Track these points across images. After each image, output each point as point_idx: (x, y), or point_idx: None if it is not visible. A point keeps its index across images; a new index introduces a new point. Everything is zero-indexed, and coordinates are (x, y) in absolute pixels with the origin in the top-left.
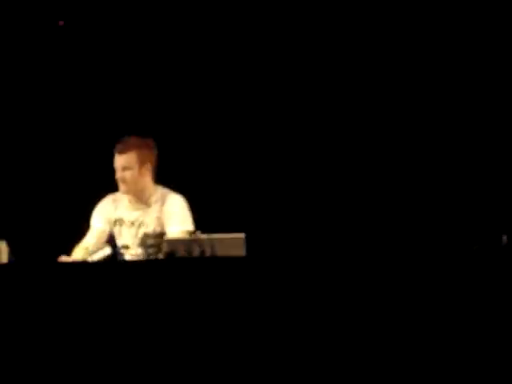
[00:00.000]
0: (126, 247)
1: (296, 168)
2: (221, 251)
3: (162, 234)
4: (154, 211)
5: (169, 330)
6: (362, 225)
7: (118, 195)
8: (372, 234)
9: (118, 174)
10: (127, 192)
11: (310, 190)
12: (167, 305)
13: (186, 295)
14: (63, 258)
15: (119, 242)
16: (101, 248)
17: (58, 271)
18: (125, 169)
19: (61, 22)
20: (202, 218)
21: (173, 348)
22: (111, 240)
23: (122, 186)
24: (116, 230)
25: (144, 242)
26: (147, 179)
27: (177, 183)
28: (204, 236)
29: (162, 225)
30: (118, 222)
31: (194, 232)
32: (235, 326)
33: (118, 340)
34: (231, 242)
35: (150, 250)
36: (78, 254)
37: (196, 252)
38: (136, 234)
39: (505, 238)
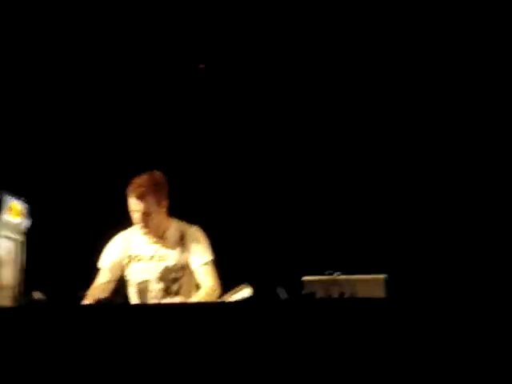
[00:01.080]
0: (146, 282)
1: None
2: (361, 292)
3: (183, 268)
4: (172, 244)
5: (310, 375)
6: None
7: (128, 233)
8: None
9: (138, 219)
10: (148, 233)
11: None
12: (306, 345)
13: (326, 336)
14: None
15: (136, 279)
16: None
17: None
18: (145, 214)
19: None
20: (341, 259)
21: None
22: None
23: (143, 230)
24: (131, 268)
25: (166, 276)
26: (164, 215)
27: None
28: (343, 277)
29: (183, 258)
30: (135, 258)
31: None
32: (376, 369)
33: None
34: (371, 283)
35: (172, 284)
36: (96, 294)
37: (335, 293)
38: (156, 269)
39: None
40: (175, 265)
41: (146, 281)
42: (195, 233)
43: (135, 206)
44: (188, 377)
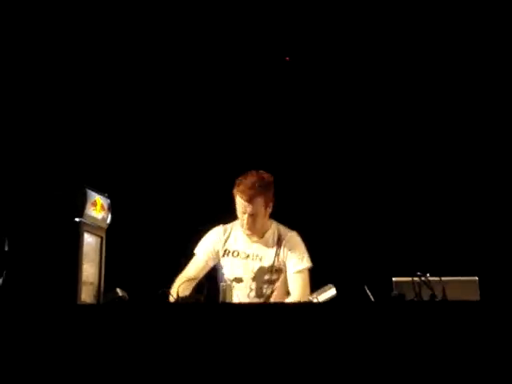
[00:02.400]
0: (240, 280)
1: None
2: (452, 295)
3: (278, 271)
4: (270, 246)
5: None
6: None
7: (230, 227)
8: None
9: (245, 219)
10: (252, 234)
11: None
12: (395, 348)
13: (416, 339)
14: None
15: (229, 274)
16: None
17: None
18: (252, 216)
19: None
20: (432, 261)
21: None
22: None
23: (247, 230)
24: (226, 261)
25: (260, 277)
26: (268, 216)
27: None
28: (434, 278)
29: (279, 261)
30: (231, 253)
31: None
32: (469, 372)
33: None
34: (464, 286)
35: (265, 286)
36: (181, 285)
37: (426, 295)
38: (252, 268)
39: None
40: (270, 266)
41: (240, 278)
42: (293, 238)
43: (244, 207)
44: (278, 376)
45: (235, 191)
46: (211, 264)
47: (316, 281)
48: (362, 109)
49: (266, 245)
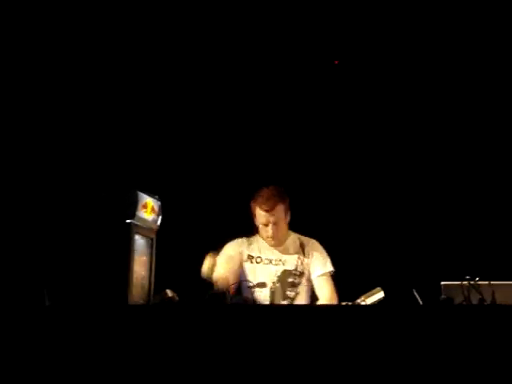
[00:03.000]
0: (263, 285)
1: None
2: (502, 299)
3: (301, 274)
4: (292, 251)
5: None
6: None
7: (252, 237)
8: None
9: (269, 230)
10: (275, 245)
11: None
12: (443, 351)
13: (464, 343)
14: None
15: (252, 280)
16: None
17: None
18: (275, 224)
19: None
20: (481, 266)
21: None
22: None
23: (271, 241)
24: (248, 267)
25: (284, 280)
26: (287, 226)
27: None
28: (483, 282)
29: (302, 264)
30: (254, 259)
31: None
32: None
33: None
34: None
35: (289, 288)
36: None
37: (475, 299)
38: (275, 272)
39: None
40: (294, 269)
41: (263, 283)
42: (315, 244)
43: (266, 218)
44: (321, 380)
45: (254, 205)
46: (235, 268)
47: (365, 284)
48: (379, 116)
49: (288, 250)
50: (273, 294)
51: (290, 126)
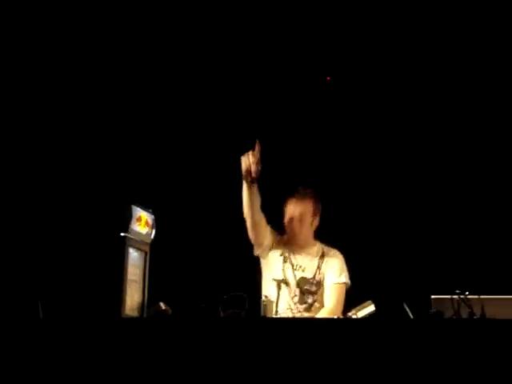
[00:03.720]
0: (287, 283)
1: None
2: (491, 313)
3: (319, 283)
4: (314, 259)
5: None
6: None
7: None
8: None
9: (292, 223)
10: (296, 243)
11: None
12: (433, 365)
13: (453, 358)
14: None
15: (276, 275)
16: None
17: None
18: (300, 216)
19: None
20: (471, 280)
21: None
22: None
23: (292, 238)
24: (275, 258)
25: (301, 286)
26: (313, 230)
27: None
28: (473, 296)
29: (320, 273)
30: (282, 253)
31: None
32: None
33: None
34: (503, 304)
35: (307, 295)
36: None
37: (465, 313)
38: (295, 276)
39: None
40: (312, 278)
41: (288, 281)
42: (336, 254)
43: (293, 208)
44: None
45: (287, 200)
46: (268, 232)
47: (355, 298)
48: (387, 122)
49: (310, 257)
50: (293, 296)
51: (283, 135)
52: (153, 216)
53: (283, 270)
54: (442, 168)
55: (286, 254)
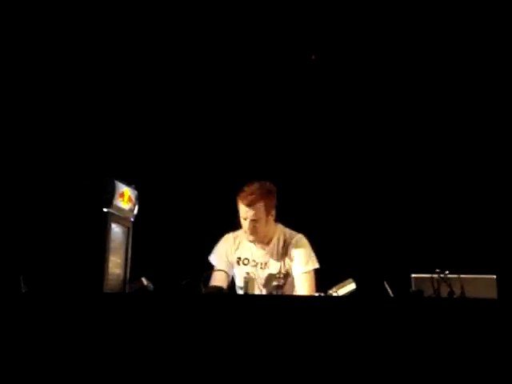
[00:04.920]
0: (252, 279)
1: None
2: (471, 292)
3: (286, 276)
4: (276, 252)
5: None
6: None
7: (239, 233)
8: None
9: (247, 225)
10: (254, 240)
11: None
12: (413, 344)
13: (433, 336)
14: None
15: (241, 282)
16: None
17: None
18: (253, 221)
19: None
20: (451, 259)
21: None
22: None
23: (250, 236)
24: (237, 270)
25: (269, 283)
26: (272, 223)
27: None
28: (453, 276)
29: (286, 265)
30: (242, 261)
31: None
32: (486, 372)
33: None
34: (482, 283)
35: (274, 291)
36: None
37: (445, 292)
38: (261, 275)
39: None
40: (278, 272)
41: (250, 278)
42: (299, 240)
43: (245, 212)
44: (294, 370)
45: (238, 198)
46: (231, 273)
47: (336, 276)
48: (369, 110)
49: (272, 252)
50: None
51: (271, 117)
52: (136, 192)
53: (247, 273)
54: (421, 148)
55: (248, 256)
